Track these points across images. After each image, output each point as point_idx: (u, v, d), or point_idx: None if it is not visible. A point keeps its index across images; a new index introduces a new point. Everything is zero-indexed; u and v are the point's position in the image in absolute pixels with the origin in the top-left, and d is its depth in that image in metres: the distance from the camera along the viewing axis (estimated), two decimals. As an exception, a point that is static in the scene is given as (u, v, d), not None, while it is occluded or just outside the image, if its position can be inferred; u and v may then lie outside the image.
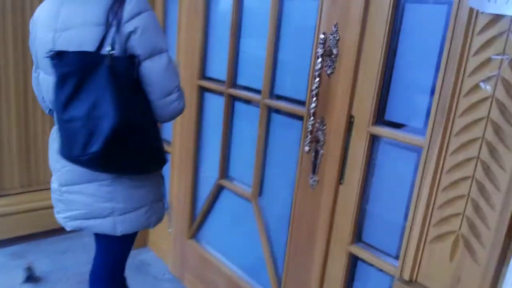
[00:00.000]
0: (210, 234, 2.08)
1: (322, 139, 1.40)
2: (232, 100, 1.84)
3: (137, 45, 1.12)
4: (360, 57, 1.27)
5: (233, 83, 1.81)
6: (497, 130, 0.92)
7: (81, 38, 1.12)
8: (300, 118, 1.52)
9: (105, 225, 1.29)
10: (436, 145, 1.05)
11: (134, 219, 1.30)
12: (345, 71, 1.30)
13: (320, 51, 1.28)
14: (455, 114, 0.99)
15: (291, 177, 1.57)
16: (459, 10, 0.99)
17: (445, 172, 1.03)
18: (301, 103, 1.51)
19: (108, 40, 1.10)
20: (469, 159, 0.98)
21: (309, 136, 1.37)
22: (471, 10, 0.92)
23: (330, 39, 1.31)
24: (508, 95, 0.90)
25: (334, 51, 1.31)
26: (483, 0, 0.90)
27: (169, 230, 2.26)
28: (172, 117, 1.26)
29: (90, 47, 1.11)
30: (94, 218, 1.28)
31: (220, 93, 1.87)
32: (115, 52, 1.10)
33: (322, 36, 1.28)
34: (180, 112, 1.26)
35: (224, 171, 1.92)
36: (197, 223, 2.11)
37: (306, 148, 1.38)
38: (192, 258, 2.14)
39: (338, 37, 1.30)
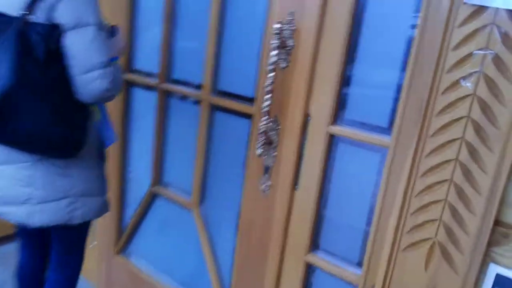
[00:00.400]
0: (142, 248, 1.85)
1: (275, 140, 1.27)
2: (166, 96, 1.63)
3: (62, 14, 1.07)
4: (319, 50, 1.15)
5: (168, 77, 1.60)
6: (478, 130, 0.86)
7: (8, 3, 1.08)
8: (247, 116, 1.37)
9: (19, 214, 1.19)
10: (409, 146, 0.97)
11: (53, 211, 1.19)
12: (302, 65, 1.18)
13: (275, 42, 1.15)
14: (432, 112, 0.92)
15: (238, 182, 1.42)
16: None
17: (420, 175, 0.95)
18: (248, 99, 1.37)
19: (33, 6, 1.05)
20: (447, 161, 0.91)
21: (262, 138, 1.23)
22: (457, 0, 0.85)
23: (285, 30, 1.18)
24: (491, 93, 0.84)
25: (289, 43, 1.18)
26: (466, -10, 0.83)
27: (92, 244, 1.98)
28: (94, 97, 1.12)
29: (14, 12, 1.07)
30: (9, 204, 1.19)
31: (152, 88, 1.65)
32: (36, 19, 1.05)
33: (277, 25, 1.14)
34: (102, 92, 1.11)
35: (158, 177, 1.71)
36: (126, 236, 1.87)
37: (259, 151, 1.25)
38: (122, 275, 1.89)
39: (294, 27, 1.17)
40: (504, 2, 0.79)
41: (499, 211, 0.88)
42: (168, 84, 1.60)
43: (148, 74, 1.65)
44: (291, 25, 1.17)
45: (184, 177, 1.60)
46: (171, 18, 1.54)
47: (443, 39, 0.88)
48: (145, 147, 1.70)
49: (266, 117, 1.21)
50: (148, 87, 1.67)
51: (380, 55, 1.09)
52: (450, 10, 0.86)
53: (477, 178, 0.88)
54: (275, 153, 1.28)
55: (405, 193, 0.98)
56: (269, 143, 1.27)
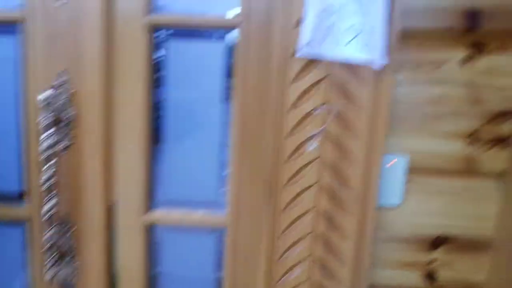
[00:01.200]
0: None
1: (72, 247, 0.90)
2: None
3: None
4: (112, 114, 0.86)
5: None
6: (332, 195, 0.77)
7: None
8: (16, 222, 0.94)
9: None
10: (257, 223, 0.81)
11: None
12: (93, 139, 0.86)
13: (48, 117, 0.79)
14: (279, 183, 0.77)
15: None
16: (250, 47, 0.77)
17: (278, 256, 0.80)
18: (13, 199, 0.94)
19: None
20: (304, 236, 0.79)
21: (52, 252, 0.85)
22: (285, 52, 0.72)
23: (58, 97, 0.83)
24: (339, 153, 0.75)
25: (68, 113, 0.84)
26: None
27: None
28: None
29: None
30: None
31: None
32: None
33: (47, 94, 0.79)
34: None
35: None
36: None
37: (50, 274, 0.86)
38: None
39: (71, 91, 0.84)
40: (335, 55, 0.70)
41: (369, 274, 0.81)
42: None
43: None
44: (66, 89, 0.83)
45: None
46: None
47: (277, 98, 0.74)
48: None
49: (53, 222, 0.84)
50: None
51: (198, 111, 0.89)
52: (284, 65, 0.73)
53: (339, 246, 0.78)
54: (76, 263, 0.91)
55: (266, 280, 0.81)
56: (62, 255, 0.89)
